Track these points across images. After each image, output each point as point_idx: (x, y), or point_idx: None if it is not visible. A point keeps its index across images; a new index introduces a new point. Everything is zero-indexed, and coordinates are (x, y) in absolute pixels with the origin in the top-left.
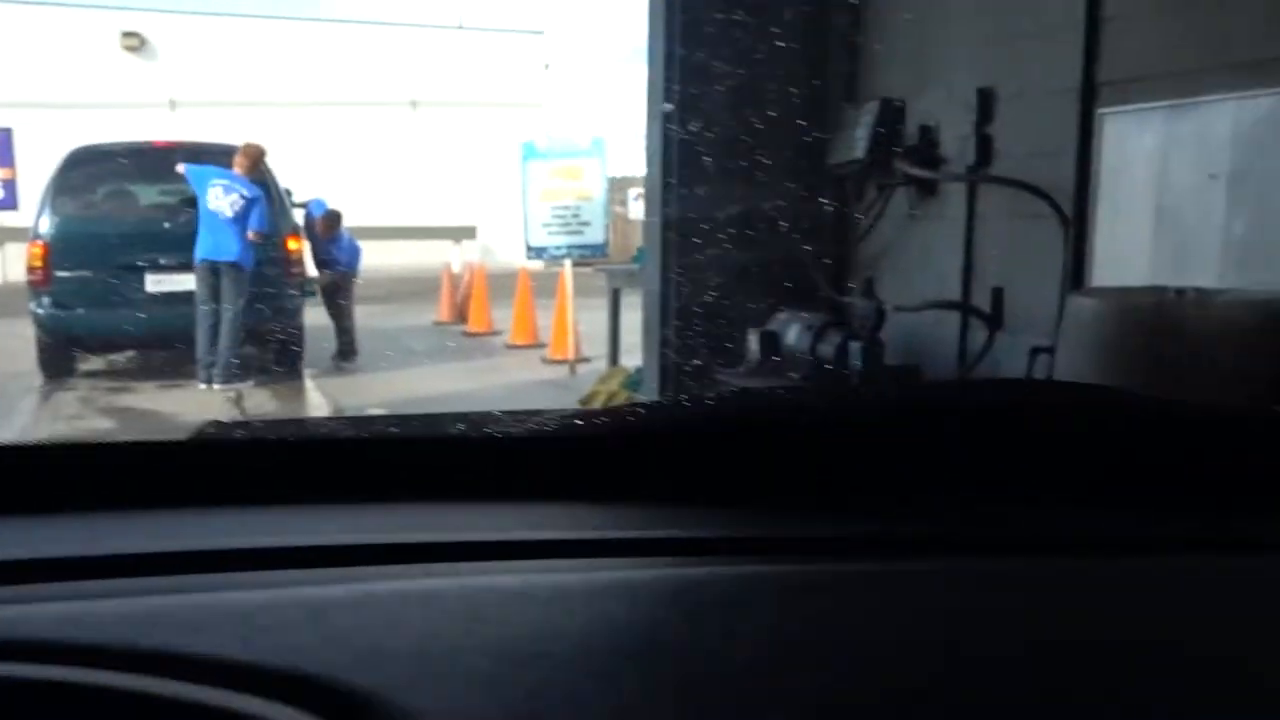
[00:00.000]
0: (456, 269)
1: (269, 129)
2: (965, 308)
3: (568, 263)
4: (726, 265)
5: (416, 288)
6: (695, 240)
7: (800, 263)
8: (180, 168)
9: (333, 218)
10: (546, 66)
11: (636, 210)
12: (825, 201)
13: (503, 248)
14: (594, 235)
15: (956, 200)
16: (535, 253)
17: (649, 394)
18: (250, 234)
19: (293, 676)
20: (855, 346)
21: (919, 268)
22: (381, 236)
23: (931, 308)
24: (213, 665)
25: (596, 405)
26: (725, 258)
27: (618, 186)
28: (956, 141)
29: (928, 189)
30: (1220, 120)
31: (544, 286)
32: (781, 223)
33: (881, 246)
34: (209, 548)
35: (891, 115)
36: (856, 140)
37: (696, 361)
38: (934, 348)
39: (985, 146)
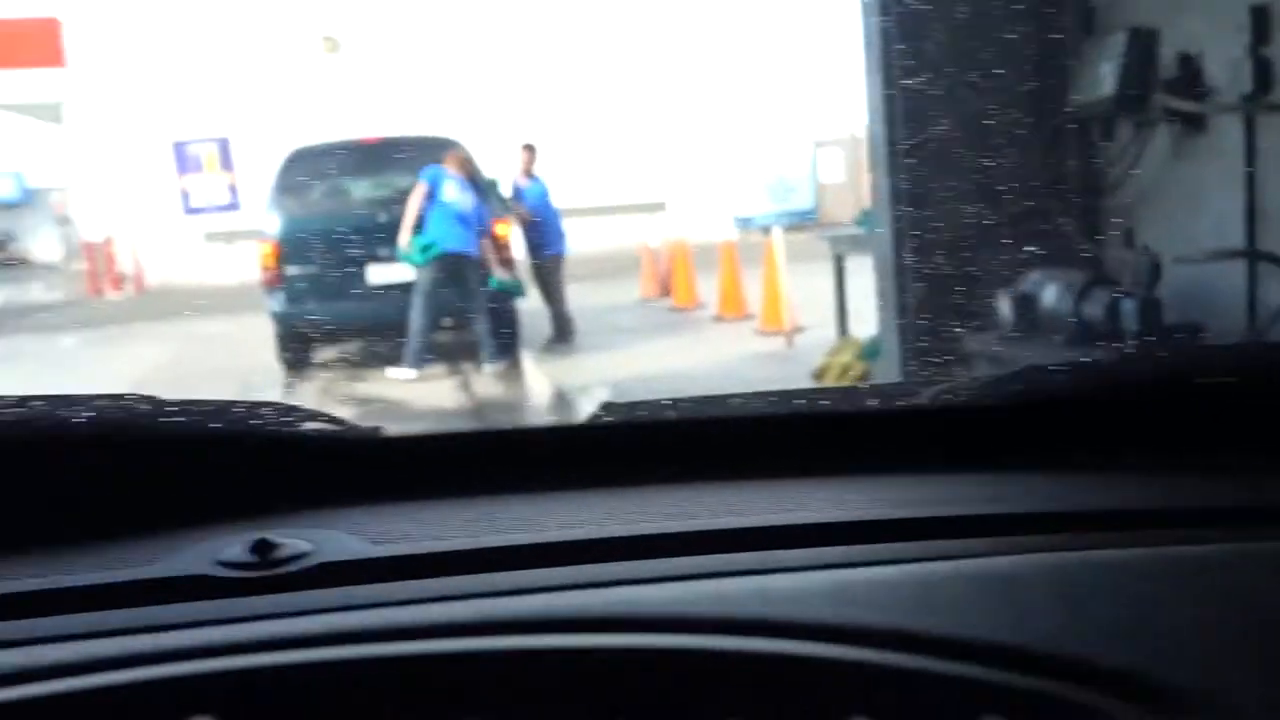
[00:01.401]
0: (655, 244)
1: (459, 118)
2: (1267, 256)
3: (777, 230)
4: (965, 223)
5: (614, 265)
6: (929, 198)
7: (1048, 215)
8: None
9: (530, 152)
10: (729, 37)
11: (830, 172)
12: (1069, 147)
13: (695, 221)
14: (801, 201)
15: (1230, 135)
16: (741, 221)
17: (889, 365)
18: (482, 227)
19: (1045, 655)
20: (1129, 305)
21: (1186, 214)
22: (573, 216)
23: (1223, 258)
24: (955, 642)
25: (830, 378)
26: (963, 215)
27: None
28: (1225, 68)
29: (1194, 124)
30: None
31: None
32: (1022, 173)
33: (1139, 193)
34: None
35: (1143, 45)
36: (1103, 76)
37: (942, 329)
38: (1212, 303)
39: (1264, 71)
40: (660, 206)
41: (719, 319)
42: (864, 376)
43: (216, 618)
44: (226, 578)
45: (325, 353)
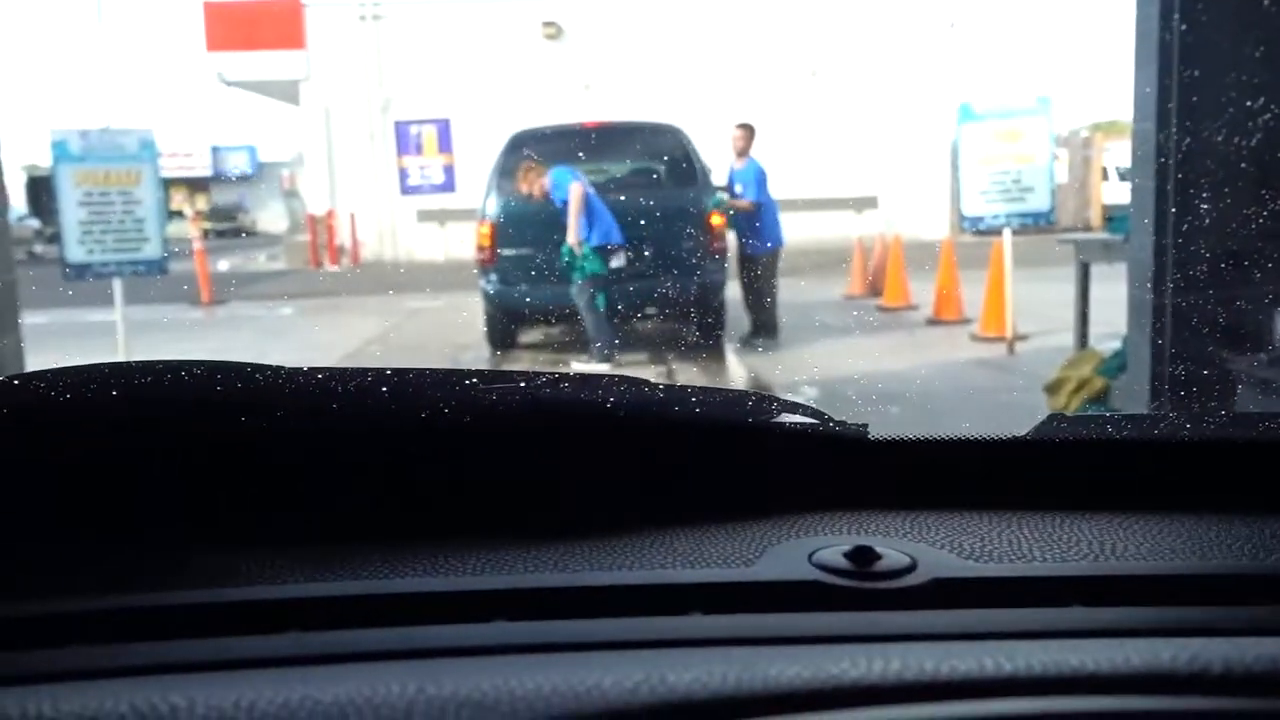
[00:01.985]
0: (868, 240)
1: (674, 105)
2: None
3: (1006, 232)
4: (1240, 232)
5: (821, 260)
6: (1200, 203)
7: None
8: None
9: (748, 132)
10: (952, 25)
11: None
12: None
13: (905, 218)
14: (1038, 202)
15: None
16: (971, 222)
17: (1138, 383)
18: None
19: None
20: None
21: None
22: (783, 209)
23: None
24: None
25: (1064, 393)
26: (1238, 223)
27: None
28: None
29: None
30: None
31: (962, 257)
32: None
33: None
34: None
35: None
36: None
37: (1205, 347)
38: None
39: None
40: (873, 202)
41: (933, 321)
42: (1103, 393)
43: (815, 634)
44: (834, 585)
45: (531, 335)
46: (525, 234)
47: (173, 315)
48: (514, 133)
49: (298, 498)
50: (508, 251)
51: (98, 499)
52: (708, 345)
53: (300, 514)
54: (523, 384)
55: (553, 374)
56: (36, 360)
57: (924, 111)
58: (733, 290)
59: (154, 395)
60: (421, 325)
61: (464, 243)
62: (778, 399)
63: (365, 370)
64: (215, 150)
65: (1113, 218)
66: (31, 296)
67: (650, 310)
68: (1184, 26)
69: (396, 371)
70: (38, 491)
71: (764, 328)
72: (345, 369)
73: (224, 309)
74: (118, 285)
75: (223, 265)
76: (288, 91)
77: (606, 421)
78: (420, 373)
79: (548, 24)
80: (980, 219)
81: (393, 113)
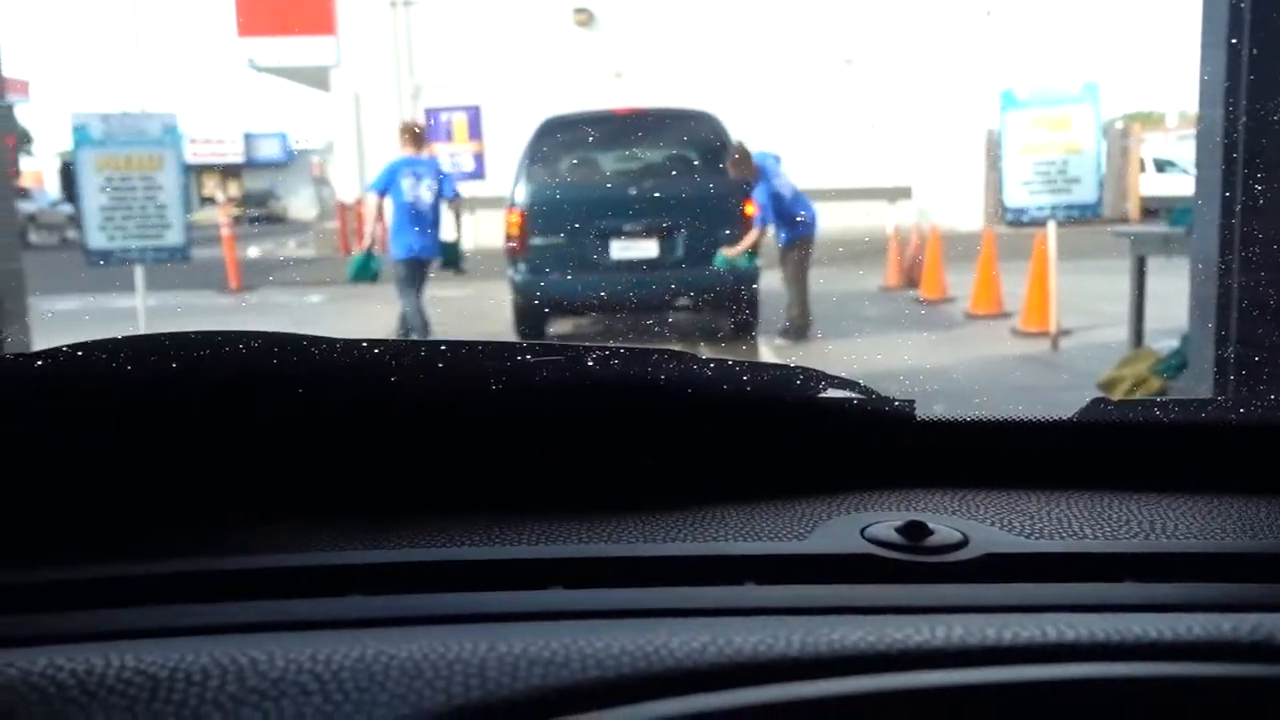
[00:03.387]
0: (904, 231)
1: (706, 93)
2: None
3: (1051, 224)
4: None
5: (855, 251)
6: (1268, 195)
7: None
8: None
9: (742, 155)
10: (989, 13)
11: None
12: None
13: (939, 208)
14: (1085, 193)
15: None
16: (1013, 214)
17: (1200, 382)
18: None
19: None
20: None
21: None
22: (816, 199)
23: None
24: None
25: (1120, 391)
26: None
27: None
28: None
29: None
30: None
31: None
32: None
33: None
34: None
35: None
36: None
37: (1273, 345)
38: None
39: None
40: (907, 192)
41: (971, 315)
42: (1161, 394)
43: (870, 605)
44: (887, 559)
45: (560, 326)
46: (555, 222)
47: (200, 301)
48: (544, 119)
49: (353, 468)
50: (537, 240)
51: (171, 467)
52: (741, 336)
53: (356, 483)
54: (572, 357)
55: (602, 347)
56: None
57: (958, 100)
58: (767, 281)
59: (215, 365)
60: (449, 313)
61: (494, 231)
62: (824, 374)
63: (419, 343)
64: (247, 137)
65: (1175, 210)
66: (58, 282)
67: (683, 301)
68: (1257, 6)
69: (450, 344)
70: (110, 457)
71: (797, 319)
72: (398, 341)
73: (253, 295)
74: (139, 271)
75: (253, 252)
76: (318, 78)
77: (656, 395)
78: (473, 345)
79: (579, 11)
80: (1024, 210)
81: (423, 100)
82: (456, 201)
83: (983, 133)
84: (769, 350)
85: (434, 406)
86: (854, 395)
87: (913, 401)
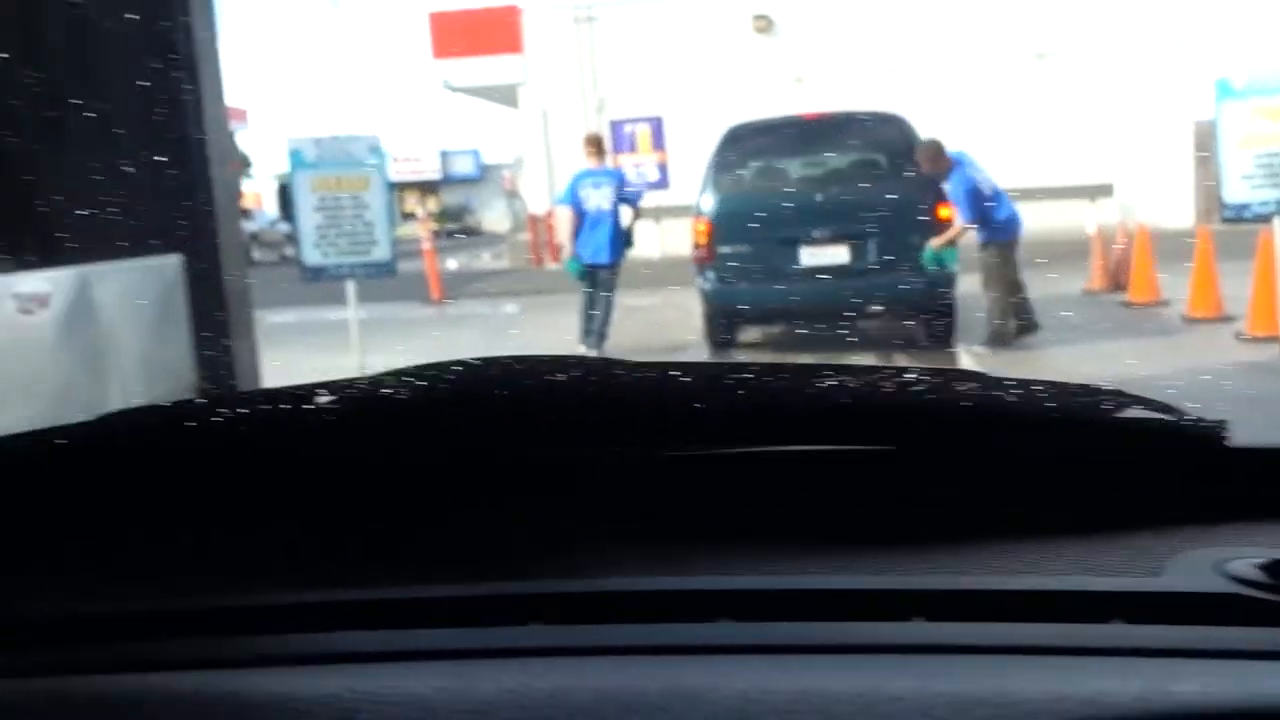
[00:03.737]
0: (1107, 230)
1: (888, 95)
2: None
3: (1276, 220)
4: None
5: (1055, 252)
6: None
7: None
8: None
9: (935, 149)
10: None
11: None
12: None
13: (1144, 205)
14: None
15: None
16: (1234, 210)
17: None
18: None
19: None
20: None
21: None
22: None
23: None
24: None
25: None
26: None
27: None
28: None
29: None
30: None
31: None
32: None
33: None
34: None
35: None
36: None
37: None
38: None
39: None
40: (1108, 190)
41: (1188, 319)
42: None
43: (1238, 649)
44: (1258, 599)
45: (751, 334)
46: (742, 230)
47: (405, 313)
48: (730, 126)
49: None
50: (725, 249)
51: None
52: (938, 345)
53: (692, 509)
54: (867, 380)
55: (894, 368)
56: (274, 355)
57: (1160, 91)
58: (965, 285)
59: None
60: (639, 323)
61: (680, 239)
62: (1123, 392)
63: (662, 364)
64: (443, 154)
65: None
66: (278, 295)
67: (876, 307)
68: None
69: (737, 366)
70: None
71: (1013, 325)
72: (641, 363)
73: (453, 306)
74: (350, 286)
75: (451, 264)
76: (507, 95)
77: (961, 419)
78: (771, 367)
79: (759, 17)
80: (1245, 206)
81: (607, 112)
82: (635, 208)
83: (1189, 125)
84: (969, 359)
85: (746, 431)
86: (1160, 414)
87: (1224, 423)
